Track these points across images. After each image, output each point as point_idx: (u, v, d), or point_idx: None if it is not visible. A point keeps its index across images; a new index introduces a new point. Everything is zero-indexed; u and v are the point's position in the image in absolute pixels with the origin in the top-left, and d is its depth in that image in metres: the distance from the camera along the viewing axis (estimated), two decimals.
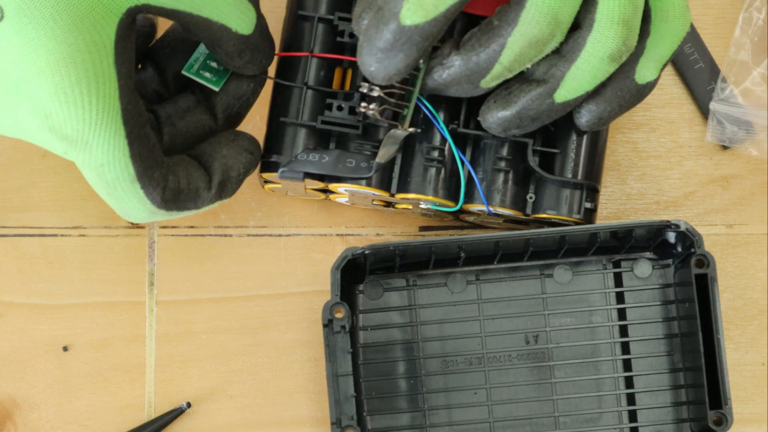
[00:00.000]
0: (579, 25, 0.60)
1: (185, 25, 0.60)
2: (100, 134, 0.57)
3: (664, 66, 0.63)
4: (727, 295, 0.71)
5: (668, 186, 0.72)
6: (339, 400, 0.65)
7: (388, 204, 0.68)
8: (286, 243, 0.71)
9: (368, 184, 0.65)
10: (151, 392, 0.70)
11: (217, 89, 0.63)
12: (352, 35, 0.64)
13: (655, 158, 0.72)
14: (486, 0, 0.63)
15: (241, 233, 0.71)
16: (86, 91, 0.56)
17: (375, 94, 0.63)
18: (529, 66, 0.61)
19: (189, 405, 0.69)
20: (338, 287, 0.65)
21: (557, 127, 0.66)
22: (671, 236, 0.67)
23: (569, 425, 0.68)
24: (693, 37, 0.72)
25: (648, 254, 0.69)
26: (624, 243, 0.68)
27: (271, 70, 0.65)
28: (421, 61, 0.62)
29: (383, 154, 0.64)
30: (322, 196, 0.69)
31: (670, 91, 0.73)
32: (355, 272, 0.68)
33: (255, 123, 0.70)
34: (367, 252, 0.65)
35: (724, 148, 0.72)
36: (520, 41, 0.59)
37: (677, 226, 0.66)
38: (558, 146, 0.66)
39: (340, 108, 0.64)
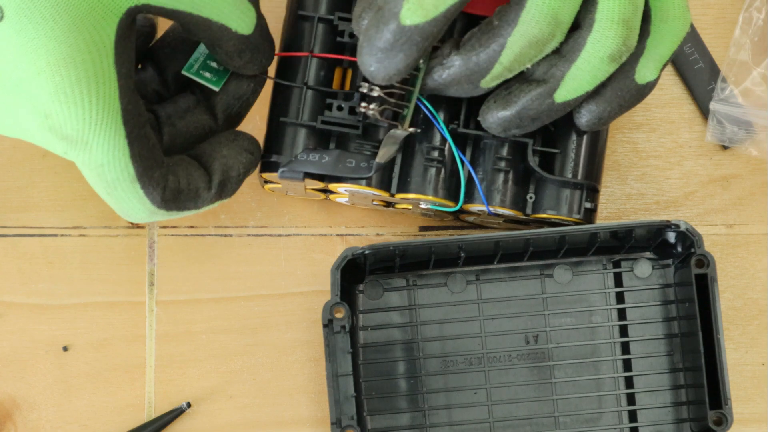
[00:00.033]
0: (579, 25, 0.60)
1: (185, 25, 0.60)
2: (100, 134, 0.57)
3: (664, 66, 0.63)
4: (727, 295, 0.71)
5: (668, 186, 0.72)
6: (339, 400, 0.65)
7: (388, 204, 0.68)
8: (286, 243, 0.71)
9: (368, 184, 0.65)
10: (151, 392, 0.70)
11: (217, 89, 0.63)
12: (352, 35, 0.64)
13: (655, 158, 0.72)
14: (486, 0, 0.63)
15: (241, 233, 0.71)
16: (86, 91, 0.56)
17: (375, 94, 0.63)
18: (529, 66, 0.61)
19: (189, 405, 0.69)
20: (338, 287, 0.65)
21: (557, 127, 0.66)
22: (671, 236, 0.67)
23: (569, 425, 0.68)
24: (693, 37, 0.72)
25: (648, 254, 0.69)
26: (624, 243, 0.68)
27: (271, 70, 0.65)
28: (421, 61, 0.62)
29: (383, 154, 0.64)
30: (322, 196, 0.69)
31: (670, 91, 0.73)
32: (355, 272, 0.68)
33: (255, 123, 0.70)
34: (367, 252, 0.65)
35: (724, 148, 0.72)
36: (520, 41, 0.59)
37: (677, 226, 0.66)
38: (558, 146, 0.66)
39: (340, 108, 0.64)
